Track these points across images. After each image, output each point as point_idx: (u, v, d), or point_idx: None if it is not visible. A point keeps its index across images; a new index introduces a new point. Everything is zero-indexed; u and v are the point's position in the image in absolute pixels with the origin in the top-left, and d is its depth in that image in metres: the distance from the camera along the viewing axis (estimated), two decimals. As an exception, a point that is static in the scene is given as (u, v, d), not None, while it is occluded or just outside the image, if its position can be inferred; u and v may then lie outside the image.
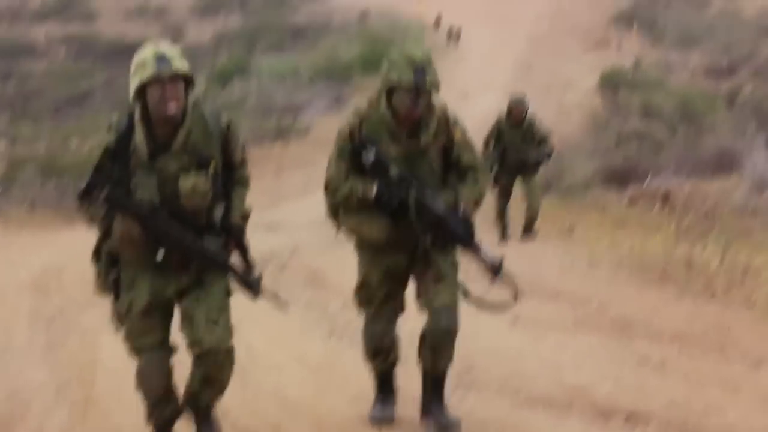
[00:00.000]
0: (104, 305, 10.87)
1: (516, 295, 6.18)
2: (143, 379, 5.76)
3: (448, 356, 6.30)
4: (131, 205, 5.40)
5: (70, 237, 20.71)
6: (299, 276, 12.23)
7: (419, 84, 5.95)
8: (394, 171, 6.05)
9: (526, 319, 9.04)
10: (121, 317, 5.69)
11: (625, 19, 46.44)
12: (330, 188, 6.21)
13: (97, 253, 5.63)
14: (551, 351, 8.39)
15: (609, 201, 17.97)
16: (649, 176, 18.69)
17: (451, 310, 6.20)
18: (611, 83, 33.25)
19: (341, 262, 13.04)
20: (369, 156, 6.03)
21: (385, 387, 6.66)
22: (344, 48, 43.08)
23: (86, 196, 5.41)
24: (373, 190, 6.07)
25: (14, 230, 22.40)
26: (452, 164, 6.23)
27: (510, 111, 14.77)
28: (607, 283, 10.88)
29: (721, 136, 22.99)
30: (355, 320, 9.76)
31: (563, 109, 30.38)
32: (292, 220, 18.79)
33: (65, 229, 24.55)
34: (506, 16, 48.07)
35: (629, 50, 40.47)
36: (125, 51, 49.78)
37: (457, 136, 6.20)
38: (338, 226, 6.31)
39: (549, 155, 14.88)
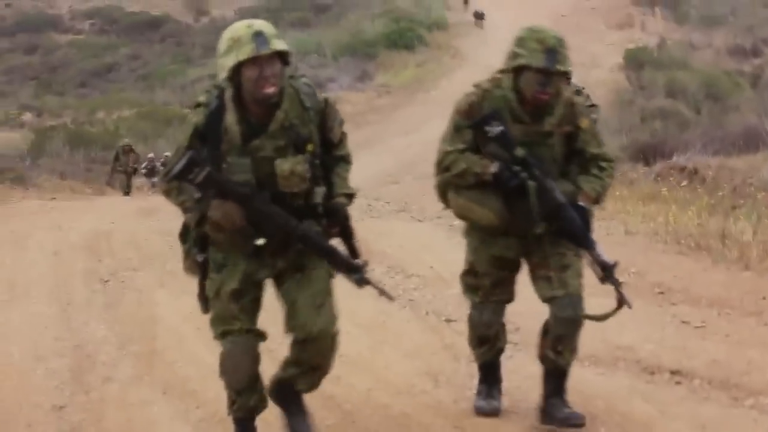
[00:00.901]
0: (156, 268, 11.21)
1: (622, 302, 5.90)
2: (228, 365, 5.35)
3: (573, 348, 5.96)
4: (234, 187, 5.05)
5: (106, 204, 21.07)
6: (339, 244, 12.47)
7: (550, 67, 5.58)
8: (518, 151, 5.70)
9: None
10: (208, 299, 5.34)
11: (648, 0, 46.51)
12: (443, 164, 5.87)
13: (183, 234, 5.35)
14: (593, 313, 8.62)
15: (637, 176, 18.15)
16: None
17: (578, 300, 5.89)
18: (636, 62, 33.45)
19: (379, 231, 13.38)
20: (495, 129, 5.67)
21: (490, 377, 6.33)
22: (368, 24, 43.24)
23: (180, 177, 5.00)
24: (495, 166, 5.70)
25: (49, 198, 22.79)
26: (575, 154, 5.88)
27: None
28: (644, 252, 11.07)
29: (746, 115, 23.17)
30: (401, 284, 10.09)
31: (588, 86, 30.52)
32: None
33: (97, 197, 24.97)
34: (530, -2, 48.19)
35: (653, 30, 40.51)
36: (149, 25, 50.35)
37: (584, 124, 5.85)
38: (447, 205, 6.04)
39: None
